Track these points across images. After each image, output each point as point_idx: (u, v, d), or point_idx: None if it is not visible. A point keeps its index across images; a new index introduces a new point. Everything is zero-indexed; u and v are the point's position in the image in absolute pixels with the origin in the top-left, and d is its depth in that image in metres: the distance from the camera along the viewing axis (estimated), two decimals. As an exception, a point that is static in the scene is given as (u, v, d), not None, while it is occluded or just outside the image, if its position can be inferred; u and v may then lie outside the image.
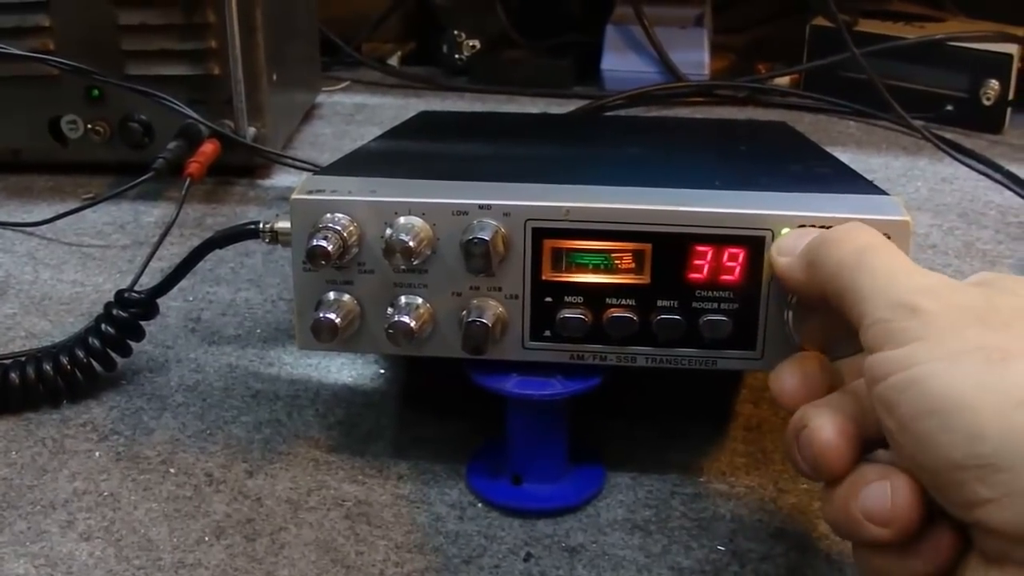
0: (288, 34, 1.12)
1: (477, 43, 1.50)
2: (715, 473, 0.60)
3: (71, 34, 0.99)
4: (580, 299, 0.53)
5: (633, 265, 0.52)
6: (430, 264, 0.53)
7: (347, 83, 1.44)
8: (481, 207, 0.52)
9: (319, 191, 0.54)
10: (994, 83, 1.26)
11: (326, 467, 0.60)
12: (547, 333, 0.54)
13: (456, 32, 1.50)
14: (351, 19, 1.54)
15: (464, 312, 0.53)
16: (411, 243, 0.51)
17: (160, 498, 0.58)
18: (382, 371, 0.70)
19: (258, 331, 0.76)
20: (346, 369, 0.70)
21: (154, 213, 0.97)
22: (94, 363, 0.66)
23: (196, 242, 0.64)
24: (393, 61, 1.55)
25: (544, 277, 0.53)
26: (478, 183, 0.55)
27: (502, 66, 1.48)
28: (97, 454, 0.62)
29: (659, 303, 0.52)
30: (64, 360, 0.65)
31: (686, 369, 0.54)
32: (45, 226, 0.93)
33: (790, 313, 0.51)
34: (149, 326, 0.68)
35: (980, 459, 0.36)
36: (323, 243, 0.51)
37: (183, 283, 0.66)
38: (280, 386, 0.69)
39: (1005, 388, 0.36)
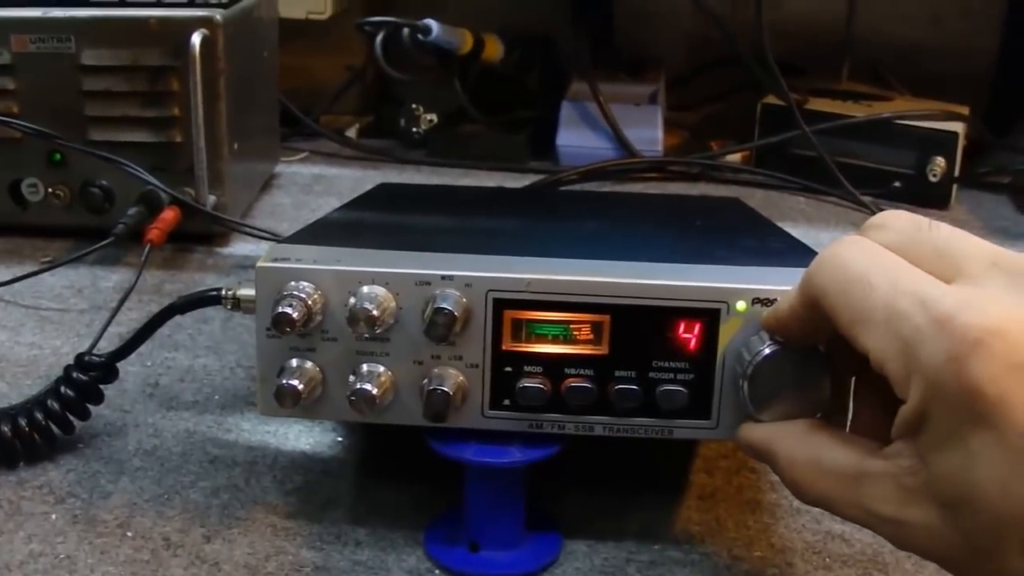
0: (249, 104, 1.13)
1: (434, 117, 1.51)
2: (670, 540, 0.61)
3: (35, 98, 0.99)
4: (539, 369, 0.54)
5: (592, 336, 0.53)
6: (392, 333, 0.54)
7: (306, 154, 1.45)
8: (444, 278, 0.53)
9: (284, 259, 0.54)
10: (940, 160, 1.29)
11: (284, 533, 0.61)
12: (506, 402, 0.54)
13: (414, 106, 1.51)
14: (310, 91, 1.56)
15: (425, 380, 0.54)
16: (375, 312, 0.52)
17: (117, 561, 0.58)
18: (340, 439, 0.71)
19: (216, 397, 0.76)
20: (304, 436, 0.71)
21: (112, 278, 0.97)
22: (52, 426, 0.66)
23: (154, 308, 0.64)
24: (351, 133, 1.56)
25: (504, 347, 0.54)
26: (440, 254, 0.56)
27: (459, 140, 1.49)
28: (54, 516, 0.61)
29: (617, 373, 0.54)
30: (23, 422, 0.65)
31: (642, 438, 0.55)
32: (2, 288, 0.93)
33: (745, 384, 0.52)
34: (107, 390, 0.68)
35: None
36: (288, 310, 0.52)
37: (141, 348, 0.67)
38: (238, 452, 0.69)
39: None
